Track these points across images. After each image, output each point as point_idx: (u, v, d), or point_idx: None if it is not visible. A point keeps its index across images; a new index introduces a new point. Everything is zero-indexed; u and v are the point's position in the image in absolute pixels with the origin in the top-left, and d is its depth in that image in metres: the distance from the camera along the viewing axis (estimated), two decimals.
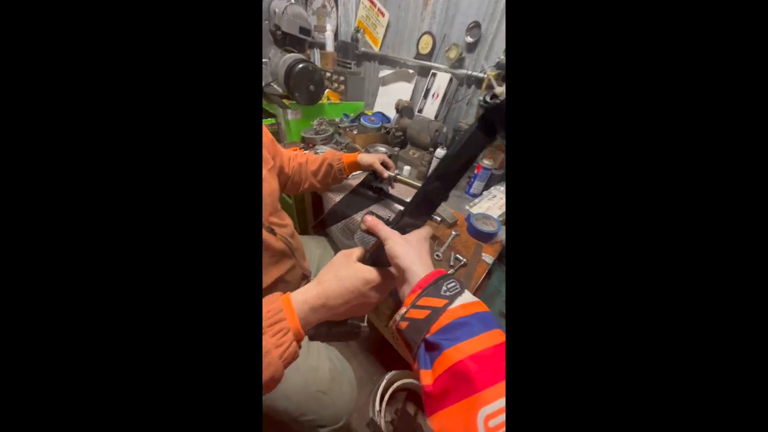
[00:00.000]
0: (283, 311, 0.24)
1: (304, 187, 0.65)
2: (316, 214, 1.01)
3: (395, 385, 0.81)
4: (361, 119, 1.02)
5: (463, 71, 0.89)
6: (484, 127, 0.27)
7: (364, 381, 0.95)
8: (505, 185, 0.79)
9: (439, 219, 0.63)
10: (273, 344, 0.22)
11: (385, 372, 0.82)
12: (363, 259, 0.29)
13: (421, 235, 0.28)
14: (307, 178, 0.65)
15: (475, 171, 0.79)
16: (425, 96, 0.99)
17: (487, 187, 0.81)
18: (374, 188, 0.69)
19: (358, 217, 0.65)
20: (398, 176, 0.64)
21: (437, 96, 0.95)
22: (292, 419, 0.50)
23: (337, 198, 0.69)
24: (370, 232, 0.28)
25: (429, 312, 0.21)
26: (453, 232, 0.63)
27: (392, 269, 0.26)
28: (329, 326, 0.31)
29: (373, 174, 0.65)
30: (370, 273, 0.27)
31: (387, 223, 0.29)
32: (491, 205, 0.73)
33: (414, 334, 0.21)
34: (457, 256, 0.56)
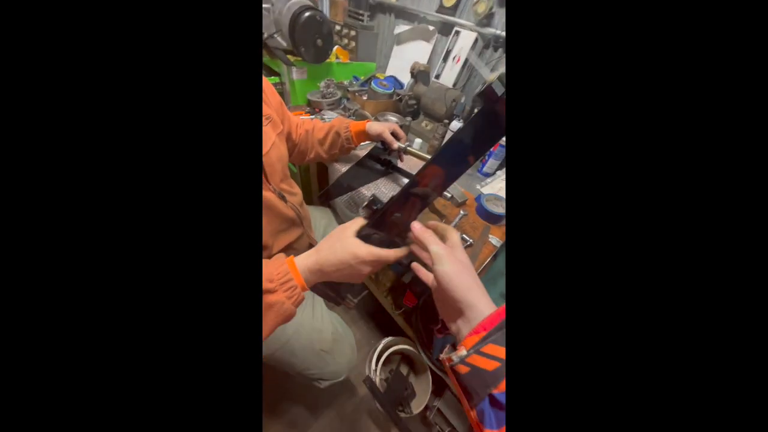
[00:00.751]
0: (290, 273, 0.29)
1: (310, 156, 0.62)
2: (321, 186, 0.99)
3: (391, 349, 0.87)
4: (372, 83, 0.93)
5: (491, 30, 0.78)
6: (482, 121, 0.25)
7: (362, 344, 1.02)
8: None
9: (449, 195, 0.61)
10: (286, 296, 0.28)
11: (382, 336, 0.88)
12: (360, 234, 0.31)
13: (466, 252, 0.28)
14: (314, 147, 0.62)
15: (491, 149, 0.73)
16: (444, 59, 0.89)
17: (501, 167, 0.76)
18: (382, 160, 0.65)
19: (363, 190, 0.63)
20: (408, 148, 0.60)
21: (458, 60, 0.85)
22: (297, 372, 0.55)
23: (344, 169, 0.67)
24: (417, 241, 0.28)
25: (498, 365, 0.19)
26: (461, 212, 0.62)
27: (424, 278, 0.29)
28: (324, 286, 0.36)
29: (381, 145, 0.61)
30: (360, 249, 0.29)
31: (376, 212, 0.30)
32: (503, 186, 0.70)
33: (478, 386, 0.20)
34: (464, 236, 0.55)
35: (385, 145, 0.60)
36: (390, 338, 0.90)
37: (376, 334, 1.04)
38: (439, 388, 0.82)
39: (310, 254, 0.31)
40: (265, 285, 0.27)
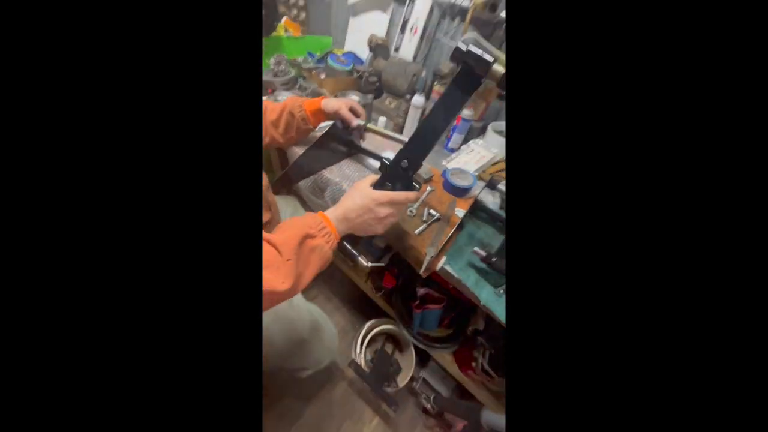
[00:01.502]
0: (323, 221, 0.34)
1: (265, 141, 0.57)
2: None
3: (374, 330, 0.88)
4: (329, 59, 0.87)
5: None
6: (463, 83, 0.31)
7: (347, 330, 1.03)
8: (484, 138, 0.76)
9: (418, 187, 0.59)
10: (324, 241, 0.33)
11: (366, 321, 0.89)
12: (374, 186, 0.38)
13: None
14: (267, 131, 0.56)
15: (454, 123, 0.73)
16: (402, 30, 0.85)
17: (465, 140, 0.77)
18: (344, 140, 0.62)
19: (326, 173, 0.60)
20: (369, 125, 0.57)
21: (416, 31, 0.82)
22: (277, 366, 0.54)
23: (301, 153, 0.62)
24: None
25: None
26: (428, 188, 0.61)
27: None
28: (346, 240, 0.41)
29: (340, 123, 0.57)
30: (376, 193, 0.36)
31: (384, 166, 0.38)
32: (468, 159, 0.70)
33: None
34: (431, 211, 0.55)
35: (345, 124, 0.57)
36: (373, 321, 0.91)
37: (360, 319, 1.05)
38: (423, 360, 0.86)
39: (336, 207, 0.36)
40: (307, 231, 0.32)
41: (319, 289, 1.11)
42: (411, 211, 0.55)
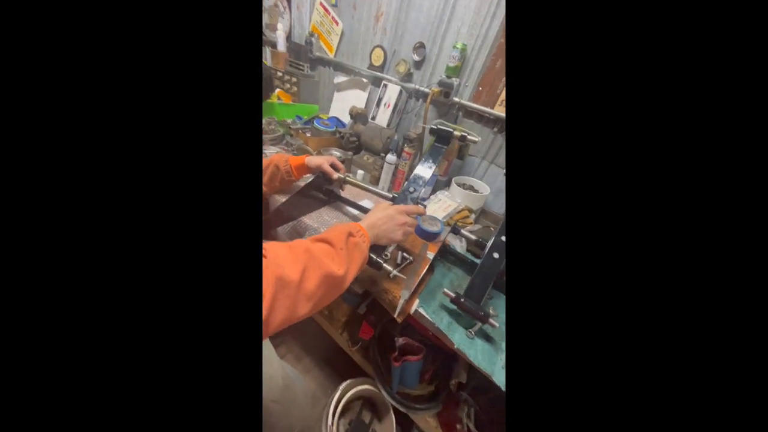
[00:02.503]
0: (357, 226, 0.41)
1: None
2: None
3: (349, 393, 0.78)
4: (315, 122, 1.00)
5: (412, 85, 0.96)
6: (440, 142, 0.66)
7: (318, 395, 0.89)
8: (449, 191, 0.87)
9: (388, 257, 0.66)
10: (362, 240, 0.39)
11: (339, 382, 0.79)
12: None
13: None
14: None
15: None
16: (378, 104, 1.03)
17: (434, 191, 0.88)
18: (324, 190, 0.67)
19: (306, 219, 0.63)
20: (348, 178, 0.64)
21: (389, 105, 1.00)
22: None
23: (283, 200, 0.66)
24: None
25: None
26: None
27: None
28: (374, 251, 0.46)
29: (322, 176, 0.64)
30: (395, 206, 0.47)
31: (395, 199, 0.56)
32: (437, 207, 0.79)
33: None
34: (404, 254, 0.58)
35: (326, 176, 0.63)
36: (348, 381, 0.81)
37: (333, 380, 0.93)
38: (405, 428, 0.76)
39: (364, 219, 0.44)
40: (350, 230, 0.38)
41: (288, 347, 1.00)
42: (386, 255, 0.58)
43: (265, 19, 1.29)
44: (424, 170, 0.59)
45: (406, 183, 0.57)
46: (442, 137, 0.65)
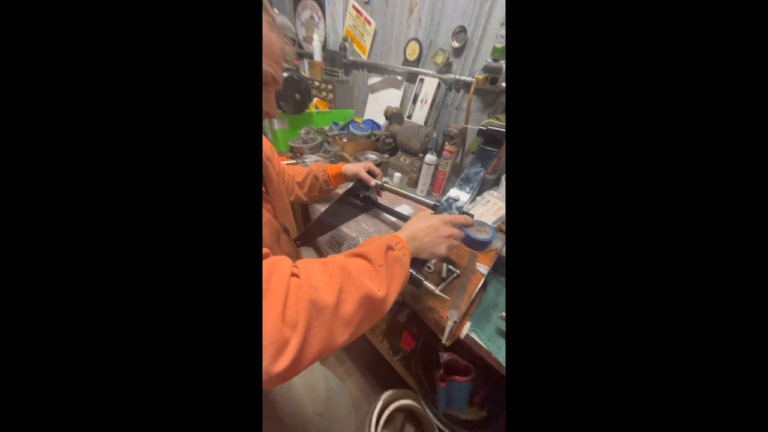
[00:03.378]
0: (396, 238, 0.36)
1: (291, 198, 0.63)
2: (305, 224, 0.97)
3: (392, 406, 0.76)
4: (350, 127, 1.00)
5: (451, 76, 0.88)
6: (489, 145, 0.54)
7: (360, 402, 0.89)
8: (498, 190, 0.77)
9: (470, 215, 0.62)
10: (402, 254, 0.34)
11: (381, 390, 0.77)
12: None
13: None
14: (293, 189, 0.63)
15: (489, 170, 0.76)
16: (414, 102, 0.98)
17: (480, 192, 0.78)
18: (362, 197, 0.66)
19: (344, 228, 0.62)
20: (386, 184, 0.61)
21: (426, 101, 0.94)
22: None
23: (324, 209, 0.66)
24: None
25: None
26: None
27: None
28: (414, 265, 0.40)
29: (360, 183, 0.62)
30: (439, 215, 0.41)
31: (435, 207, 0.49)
32: (485, 211, 0.70)
33: None
34: (450, 267, 0.52)
35: (364, 183, 0.61)
36: (390, 392, 0.79)
37: (376, 387, 0.92)
38: None
39: (403, 229, 0.39)
40: (389, 243, 0.33)
41: None
42: (429, 267, 0.53)
43: (302, 32, 1.35)
44: (473, 175, 0.51)
45: (451, 189, 0.50)
46: (492, 140, 0.54)
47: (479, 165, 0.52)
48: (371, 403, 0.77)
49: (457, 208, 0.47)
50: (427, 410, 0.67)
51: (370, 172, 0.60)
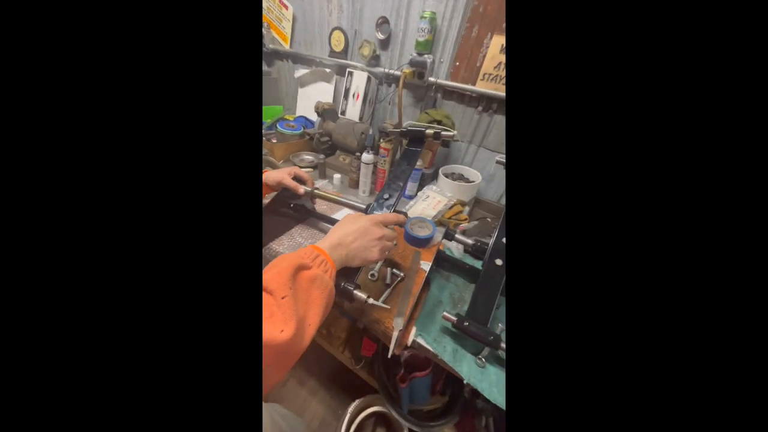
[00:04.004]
0: (315, 251, 0.30)
1: None
2: None
3: (361, 415, 0.73)
4: (278, 125, 0.89)
5: (380, 69, 0.85)
6: (413, 144, 0.57)
7: (328, 419, 0.84)
8: (437, 184, 0.79)
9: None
10: (322, 270, 0.29)
11: (350, 400, 0.74)
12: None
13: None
14: None
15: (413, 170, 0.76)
16: (346, 97, 0.92)
17: (420, 187, 0.79)
18: (293, 206, 0.58)
19: (275, 245, 0.54)
20: (316, 190, 0.55)
21: (358, 96, 0.89)
22: None
23: None
24: None
25: None
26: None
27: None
28: (343, 278, 0.36)
29: (288, 191, 0.54)
30: (368, 215, 0.38)
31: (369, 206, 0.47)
32: (426, 206, 0.71)
33: None
34: (394, 271, 0.51)
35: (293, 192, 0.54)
36: (357, 402, 0.76)
37: (344, 399, 0.88)
38: None
39: (326, 237, 0.34)
40: (301, 261, 0.28)
41: (291, 372, 0.93)
42: (373, 275, 0.50)
43: None
44: (400, 174, 0.51)
45: (381, 190, 0.48)
46: (415, 139, 0.57)
47: (406, 164, 0.53)
48: (339, 419, 0.74)
49: (388, 207, 0.45)
50: (393, 412, 0.66)
51: (297, 179, 0.54)
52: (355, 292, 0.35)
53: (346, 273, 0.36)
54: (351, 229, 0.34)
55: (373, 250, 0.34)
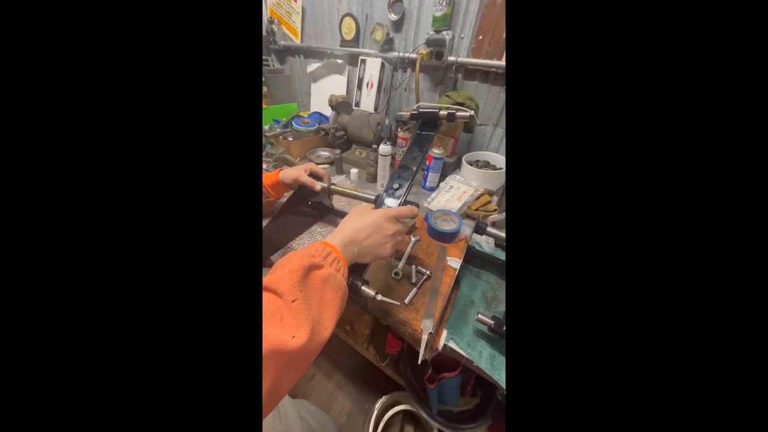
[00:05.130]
0: (326, 248, 0.28)
1: None
2: None
3: (389, 413, 0.72)
4: (293, 123, 0.88)
5: (394, 54, 0.80)
6: (426, 128, 0.48)
7: (355, 414, 0.85)
8: (461, 173, 0.73)
9: (411, 224, 0.55)
10: (335, 269, 0.27)
11: (376, 395, 0.74)
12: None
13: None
14: None
15: (427, 163, 0.71)
16: (359, 87, 0.88)
17: (442, 177, 0.74)
18: (311, 204, 0.57)
19: (296, 244, 0.53)
20: (334, 186, 0.53)
21: (372, 85, 0.85)
22: None
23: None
24: None
25: None
26: (412, 238, 0.55)
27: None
28: (353, 277, 0.33)
29: (305, 188, 0.53)
30: (382, 210, 0.34)
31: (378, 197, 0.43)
32: (449, 197, 0.66)
33: None
34: (419, 268, 0.47)
35: (309, 189, 0.52)
36: (384, 398, 0.75)
37: (370, 394, 0.88)
38: None
39: (336, 233, 0.31)
40: (311, 261, 0.25)
41: (317, 366, 0.95)
42: (397, 273, 0.47)
43: None
44: (411, 161, 0.45)
45: (390, 179, 0.44)
46: (428, 122, 0.50)
47: (417, 149, 0.46)
48: (367, 413, 0.74)
49: (397, 198, 0.41)
50: (422, 413, 0.64)
51: (313, 175, 0.52)
52: (363, 288, 0.33)
53: (354, 267, 0.33)
54: (363, 224, 0.31)
55: (386, 246, 0.32)
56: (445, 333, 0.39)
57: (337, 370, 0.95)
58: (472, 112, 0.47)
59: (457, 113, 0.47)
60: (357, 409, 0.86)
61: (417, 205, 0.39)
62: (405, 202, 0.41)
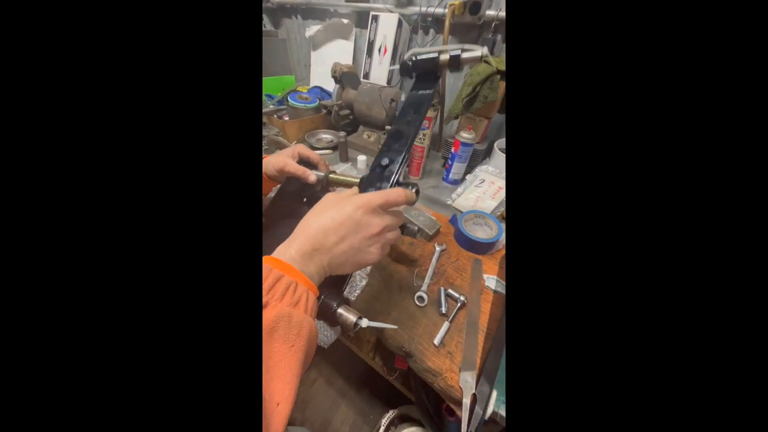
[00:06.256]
0: (273, 270, 0.18)
1: None
2: None
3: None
4: (289, 99, 0.74)
5: (415, 9, 0.64)
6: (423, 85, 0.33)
7: (359, 424, 0.79)
8: (491, 162, 0.60)
9: (415, 228, 0.40)
10: (288, 302, 0.18)
11: (383, 407, 0.66)
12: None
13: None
14: None
15: (452, 150, 0.57)
16: (369, 53, 0.73)
17: (470, 168, 0.61)
18: (307, 199, 0.44)
19: None
20: (333, 175, 0.40)
21: (385, 51, 0.69)
22: None
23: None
24: None
25: None
26: (437, 247, 0.43)
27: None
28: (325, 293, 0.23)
29: (295, 180, 0.40)
30: (363, 195, 0.23)
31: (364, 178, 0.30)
32: (481, 194, 0.53)
33: None
34: (449, 291, 0.36)
35: (302, 181, 0.40)
36: (392, 412, 0.68)
37: (375, 405, 0.82)
38: None
39: (293, 238, 0.21)
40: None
41: (319, 371, 0.89)
42: (421, 298, 0.36)
43: None
44: (405, 126, 0.31)
45: (379, 155, 0.30)
46: (425, 74, 0.33)
47: (412, 112, 0.32)
48: (372, 424, 0.67)
49: (387, 178, 0.28)
50: None
51: (304, 162, 0.39)
52: (339, 311, 0.22)
53: (329, 281, 0.22)
54: (331, 221, 0.21)
55: (370, 250, 0.22)
56: (494, 394, 0.28)
57: (339, 376, 0.88)
58: (485, 49, 0.30)
59: (463, 55, 0.30)
60: (361, 420, 0.80)
61: (415, 187, 0.25)
62: (398, 183, 0.27)
